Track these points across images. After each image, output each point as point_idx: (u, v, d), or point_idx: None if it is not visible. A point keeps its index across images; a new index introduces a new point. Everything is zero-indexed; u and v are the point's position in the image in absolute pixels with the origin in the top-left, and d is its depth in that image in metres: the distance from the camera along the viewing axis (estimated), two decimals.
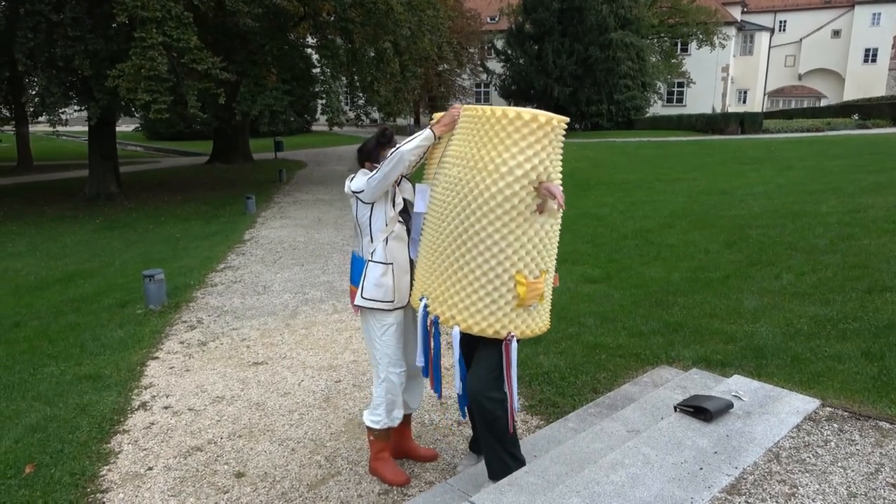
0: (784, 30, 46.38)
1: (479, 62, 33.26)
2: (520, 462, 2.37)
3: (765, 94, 45.06)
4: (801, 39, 46.15)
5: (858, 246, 5.65)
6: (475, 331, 2.24)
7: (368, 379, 3.72)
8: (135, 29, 10.44)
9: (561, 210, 2.20)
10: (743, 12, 43.28)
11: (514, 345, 2.25)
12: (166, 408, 3.49)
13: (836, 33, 45.41)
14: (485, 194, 2.17)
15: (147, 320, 5.10)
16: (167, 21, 10.40)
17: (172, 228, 9.82)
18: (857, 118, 26.23)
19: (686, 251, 6.23)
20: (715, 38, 33.43)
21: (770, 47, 45.11)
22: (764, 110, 38.56)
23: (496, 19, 35.72)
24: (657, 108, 34.70)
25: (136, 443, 3.10)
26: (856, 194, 8.23)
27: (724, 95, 38.14)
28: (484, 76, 33.39)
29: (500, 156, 2.17)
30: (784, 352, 3.54)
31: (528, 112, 2.18)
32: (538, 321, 2.36)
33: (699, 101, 35.95)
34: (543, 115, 2.18)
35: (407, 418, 2.81)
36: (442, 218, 2.30)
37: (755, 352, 3.59)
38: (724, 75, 38.04)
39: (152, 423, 3.30)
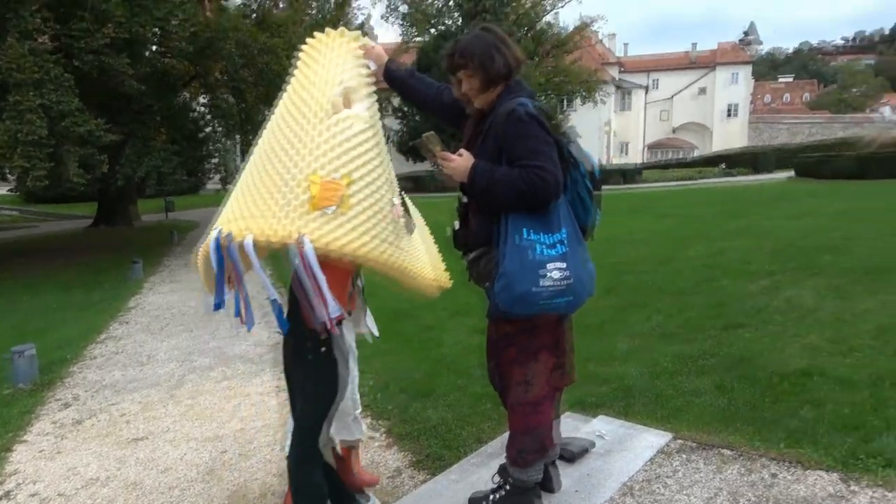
0: (657, 88, 50.67)
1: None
2: None
3: (644, 147, 48.57)
4: (672, 96, 50.55)
5: (718, 286, 6.21)
6: (268, 235, 1.94)
7: (255, 447, 3.67)
8: (8, 92, 9.97)
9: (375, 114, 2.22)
10: (620, 72, 46.89)
11: (309, 248, 1.91)
12: (33, 495, 3.28)
13: (703, 91, 50.12)
14: (285, 100, 2.22)
15: (15, 401, 4.77)
16: (45, 83, 10.02)
17: (49, 298, 9.23)
18: (723, 167, 28.83)
19: None
20: (596, 95, 35.95)
21: (646, 104, 49.00)
22: (644, 161, 41.50)
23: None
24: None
25: None
26: (719, 239, 9.04)
27: (607, 148, 40.75)
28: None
29: (310, 67, 2.27)
30: (649, 390, 3.83)
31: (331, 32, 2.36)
32: (388, 249, 2.10)
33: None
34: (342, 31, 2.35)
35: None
36: None
37: (624, 392, 3.85)
38: (606, 129, 40.73)
39: None
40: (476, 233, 2.19)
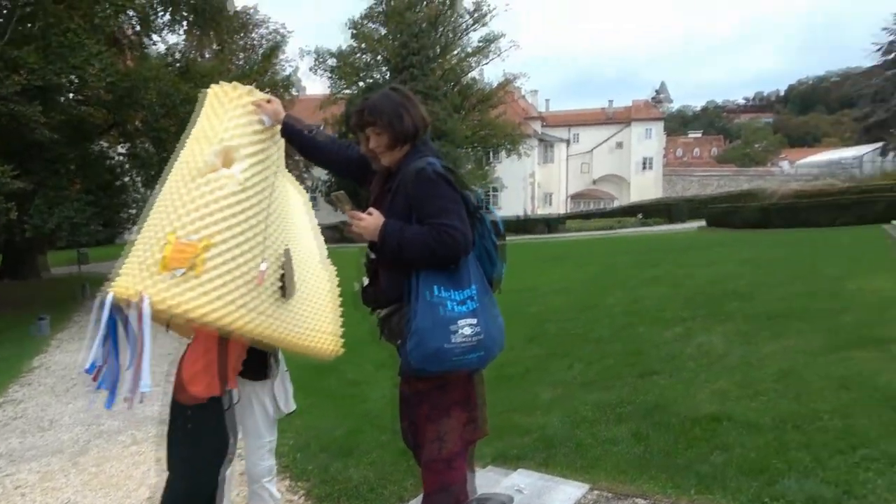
0: (578, 141, 53.01)
1: (304, 168, 33.87)
2: None
3: (567, 197, 50.31)
4: (592, 150, 52.94)
5: (635, 334, 6.43)
6: (118, 293, 1.94)
7: None
8: None
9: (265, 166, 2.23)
10: (543, 126, 48.80)
11: (146, 309, 1.90)
12: None
13: (619, 144, 52.76)
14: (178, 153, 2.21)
15: None
16: None
17: None
18: (640, 217, 30.19)
19: None
20: (520, 148, 37.19)
21: (567, 156, 51.04)
22: (567, 211, 42.95)
23: (321, 127, 36.83)
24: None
25: None
26: (636, 287, 9.39)
27: (532, 199, 41.99)
28: (309, 182, 33.98)
29: (200, 121, 2.27)
30: (570, 440, 3.88)
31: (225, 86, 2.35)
32: (256, 317, 2.06)
33: (511, 204, 39.21)
34: (234, 86, 2.35)
35: None
36: None
37: (545, 442, 3.90)
38: (531, 181, 42.05)
39: None
40: (386, 289, 2.20)
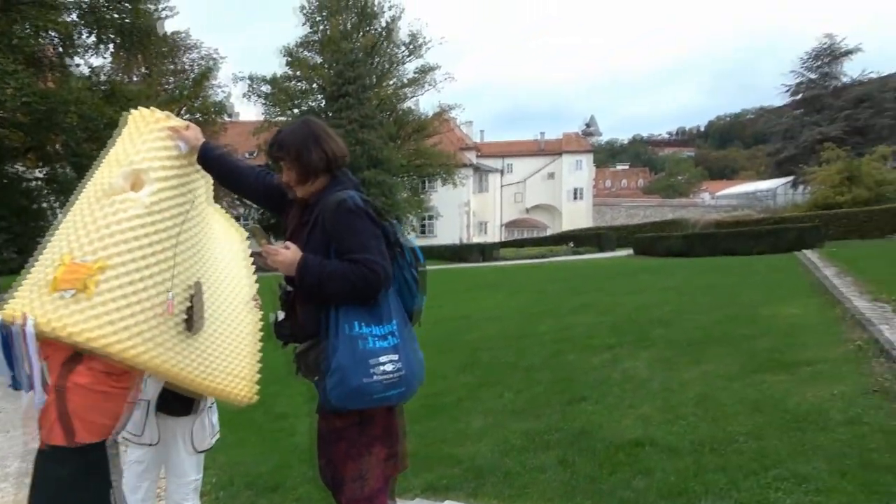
0: (511, 171, 54.24)
1: (236, 197, 33.22)
2: None
3: (501, 226, 51.15)
4: (525, 179, 54.23)
5: (565, 361, 6.56)
6: (3, 315, 1.86)
7: None
8: None
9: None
10: (477, 156, 49.64)
11: (30, 330, 1.84)
12: None
13: (551, 175, 54.27)
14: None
15: None
16: None
17: None
18: (571, 245, 30.99)
19: (426, 378, 6.63)
20: (455, 177, 37.73)
21: (501, 186, 52.03)
22: (501, 239, 43.63)
23: (254, 154, 36.38)
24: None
25: None
26: (566, 314, 9.59)
27: (467, 227, 42.50)
28: (242, 210, 33.28)
29: (115, 145, 2.25)
30: (499, 469, 3.90)
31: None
32: (141, 349, 1.95)
33: (447, 232, 39.58)
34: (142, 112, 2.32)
35: None
36: None
37: (475, 472, 3.90)
38: (466, 209, 42.59)
39: None
40: (303, 324, 2.16)
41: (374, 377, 1.99)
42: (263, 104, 36.59)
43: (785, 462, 3.45)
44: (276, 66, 54.37)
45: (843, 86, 46.49)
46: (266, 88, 36.31)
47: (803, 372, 5.00)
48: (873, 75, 46.90)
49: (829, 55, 46.58)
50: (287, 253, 2.09)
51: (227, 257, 2.68)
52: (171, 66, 28.49)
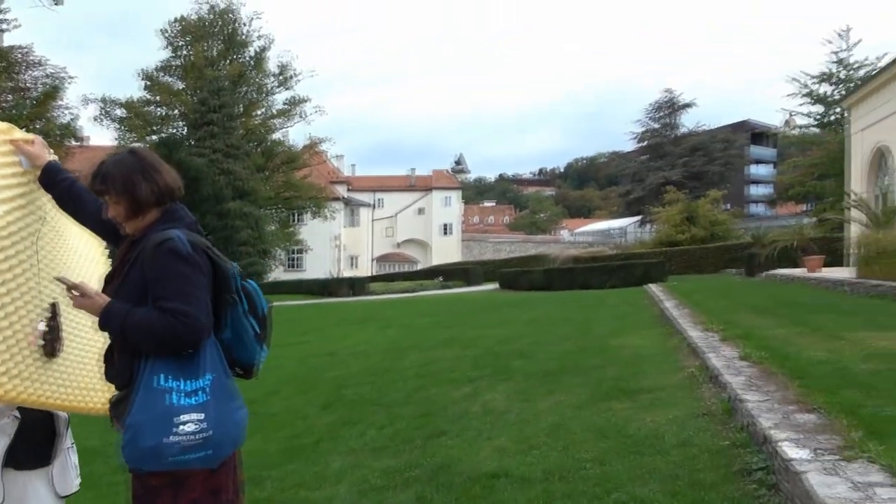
0: (382, 206, 54.60)
1: None
2: None
3: (372, 260, 51.10)
4: (395, 214, 54.75)
5: (427, 396, 6.60)
6: None
7: None
8: None
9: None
10: (348, 190, 49.55)
11: None
12: None
13: (421, 211, 55.26)
14: None
15: None
16: None
17: None
18: (441, 280, 31.55)
19: (286, 419, 6.41)
20: (326, 210, 37.33)
21: (372, 220, 52.19)
22: (372, 273, 43.53)
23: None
24: (279, 274, 36.39)
25: None
26: (432, 348, 9.70)
27: (337, 261, 42.08)
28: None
29: None
30: None
31: None
32: None
33: (317, 266, 38.93)
34: None
35: None
36: None
37: None
38: (336, 243, 42.19)
39: None
40: (119, 371, 1.99)
41: (172, 437, 1.81)
42: (118, 129, 34.33)
43: (625, 486, 3.67)
44: (134, 89, 51.37)
45: (681, 135, 52.05)
46: (121, 112, 34.12)
47: (644, 398, 5.38)
48: (705, 127, 52.97)
49: (669, 107, 52.05)
50: (93, 298, 1.93)
51: (85, 267, 2.50)
52: (10, 84, 26.04)
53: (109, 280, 2.09)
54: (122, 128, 34.20)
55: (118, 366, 1.99)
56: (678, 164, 48.75)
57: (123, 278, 2.00)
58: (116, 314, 1.89)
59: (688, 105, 51.65)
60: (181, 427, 1.82)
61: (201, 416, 1.85)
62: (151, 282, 1.93)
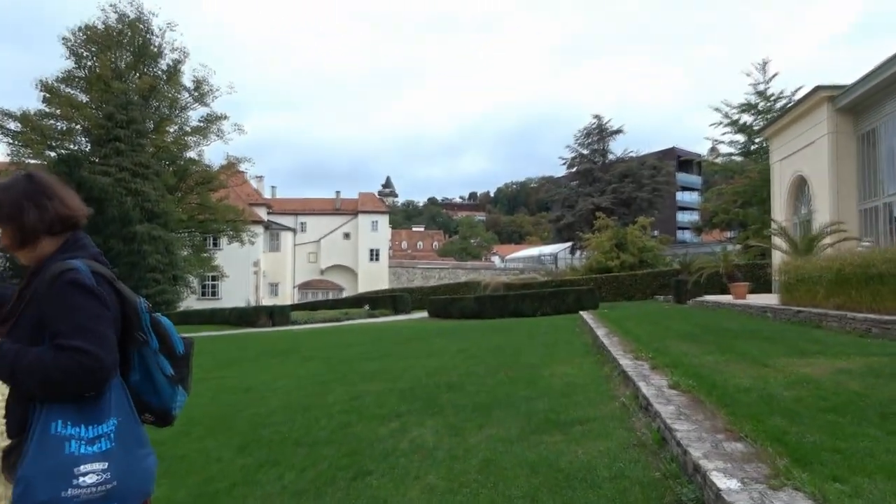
0: (305, 230, 53.39)
1: None
2: None
3: (294, 287, 49.78)
4: (320, 239, 53.64)
5: (352, 433, 6.27)
6: None
7: None
8: None
9: None
10: (269, 213, 48.25)
11: None
12: None
13: (347, 235, 54.42)
14: None
15: None
16: None
17: None
18: (367, 308, 30.97)
19: (197, 462, 5.92)
20: (244, 235, 36.07)
21: (295, 245, 50.93)
22: (295, 302, 42.32)
23: None
24: (191, 302, 34.79)
25: None
26: (358, 382, 9.35)
27: (257, 289, 40.69)
28: None
29: None
30: None
31: None
32: None
33: (234, 294, 37.48)
34: None
35: None
36: None
37: None
38: (255, 269, 40.83)
39: None
40: (11, 416, 1.77)
41: (71, 491, 1.63)
42: (10, 143, 32.03)
43: None
44: (30, 100, 48.43)
45: (610, 162, 53.71)
46: (15, 126, 31.85)
47: (576, 430, 5.29)
48: (633, 154, 54.90)
49: (598, 133, 53.73)
50: None
51: None
52: None
53: (5, 319, 1.86)
54: (16, 142, 31.71)
55: (11, 410, 1.76)
56: (608, 191, 50.19)
57: (20, 315, 1.77)
58: (6, 355, 1.67)
59: (617, 132, 53.35)
60: (81, 479, 1.64)
61: (104, 465, 1.69)
62: (49, 317, 1.71)
